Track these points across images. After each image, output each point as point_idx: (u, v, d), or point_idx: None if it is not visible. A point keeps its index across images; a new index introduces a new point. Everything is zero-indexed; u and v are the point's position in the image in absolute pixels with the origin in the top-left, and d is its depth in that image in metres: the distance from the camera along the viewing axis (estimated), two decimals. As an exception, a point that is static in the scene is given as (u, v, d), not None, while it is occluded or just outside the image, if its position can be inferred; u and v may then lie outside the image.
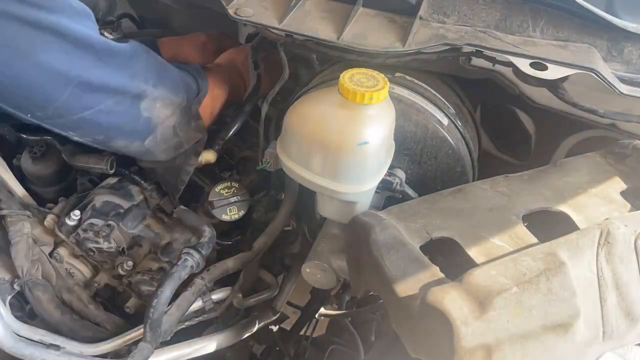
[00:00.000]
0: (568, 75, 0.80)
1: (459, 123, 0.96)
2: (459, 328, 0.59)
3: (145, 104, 0.90)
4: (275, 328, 1.31)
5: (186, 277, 0.92)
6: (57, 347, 0.95)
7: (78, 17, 0.81)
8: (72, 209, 1.04)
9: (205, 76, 1.04)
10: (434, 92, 0.96)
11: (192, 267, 0.92)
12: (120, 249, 1.03)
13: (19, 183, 1.08)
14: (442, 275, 0.68)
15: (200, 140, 1.01)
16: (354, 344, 1.31)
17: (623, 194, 0.80)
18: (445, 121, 0.93)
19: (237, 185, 1.07)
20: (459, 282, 0.64)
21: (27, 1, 0.74)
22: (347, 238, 0.86)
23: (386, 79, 0.77)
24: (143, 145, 0.94)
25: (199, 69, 1.05)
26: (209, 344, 1.01)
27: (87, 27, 0.82)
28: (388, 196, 0.92)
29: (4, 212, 1.03)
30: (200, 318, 1.03)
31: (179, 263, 0.91)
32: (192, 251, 0.92)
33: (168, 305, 0.90)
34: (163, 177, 1.05)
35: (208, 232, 0.98)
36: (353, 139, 0.77)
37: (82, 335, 1.02)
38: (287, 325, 1.38)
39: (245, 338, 1.08)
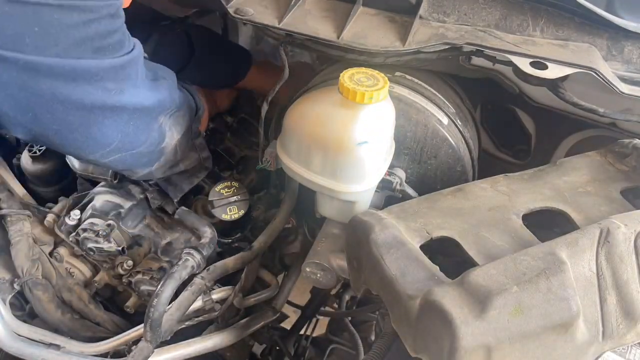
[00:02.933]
0: (568, 75, 0.80)
1: (459, 122, 0.96)
2: (459, 328, 0.59)
3: (165, 131, 0.88)
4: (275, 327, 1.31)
5: (187, 277, 0.92)
6: (57, 347, 0.95)
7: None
8: (72, 208, 1.04)
9: (200, 94, 1.04)
10: (434, 92, 0.96)
11: (192, 267, 0.92)
12: (120, 248, 1.03)
13: (18, 182, 1.08)
14: (442, 274, 0.68)
15: (207, 158, 1.01)
16: (354, 343, 1.31)
17: (623, 193, 0.80)
18: (445, 120, 0.93)
19: (237, 185, 1.07)
20: (459, 281, 0.64)
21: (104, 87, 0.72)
22: (347, 237, 0.86)
23: (386, 78, 0.77)
24: (151, 172, 0.93)
25: (193, 88, 1.04)
26: (209, 344, 1.01)
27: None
28: (388, 195, 0.92)
29: (4, 211, 1.03)
30: (200, 318, 1.03)
31: (179, 263, 0.91)
32: (193, 252, 0.92)
33: (168, 305, 0.90)
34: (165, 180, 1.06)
35: (210, 233, 0.98)
36: (353, 139, 0.77)
37: (82, 334, 1.02)
38: (287, 325, 1.38)
39: (245, 337, 1.08)
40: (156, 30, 1.07)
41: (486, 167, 1.05)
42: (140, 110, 0.80)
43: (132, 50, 0.76)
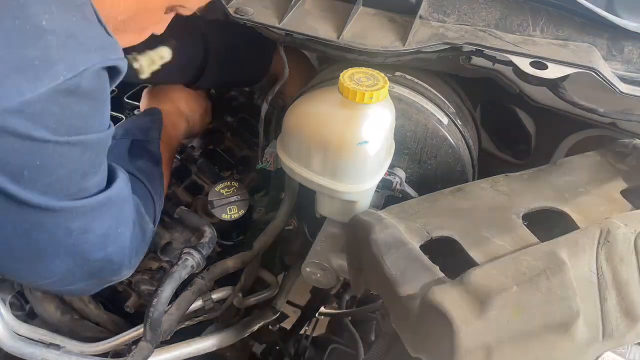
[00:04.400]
0: (568, 75, 0.80)
1: (459, 122, 0.96)
2: (459, 327, 0.59)
3: None
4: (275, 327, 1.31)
5: (186, 277, 0.92)
6: (57, 347, 0.95)
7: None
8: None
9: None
10: (434, 91, 0.96)
11: (192, 267, 0.92)
12: (120, 248, 1.02)
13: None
14: (442, 274, 0.68)
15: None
16: (354, 343, 1.32)
17: (623, 193, 0.80)
18: (445, 120, 0.93)
19: (237, 185, 1.07)
20: (459, 281, 0.64)
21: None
22: (347, 237, 0.86)
23: (386, 78, 0.77)
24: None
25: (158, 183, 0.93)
26: (209, 344, 1.01)
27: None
28: (388, 195, 0.92)
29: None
30: (200, 317, 1.03)
31: (179, 263, 0.91)
32: (192, 251, 0.92)
33: (168, 305, 0.90)
34: None
35: (209, 232, 0.98)
36: (353, 138, 0.77)
37: (82, 334, 1.02)
38: (287, 325, 1.38)
39: (245, 337, 1.08)
40: (172, 36, 1.00)
41: (486, 167, 1.05)
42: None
43: (108, 188, 0.70)
